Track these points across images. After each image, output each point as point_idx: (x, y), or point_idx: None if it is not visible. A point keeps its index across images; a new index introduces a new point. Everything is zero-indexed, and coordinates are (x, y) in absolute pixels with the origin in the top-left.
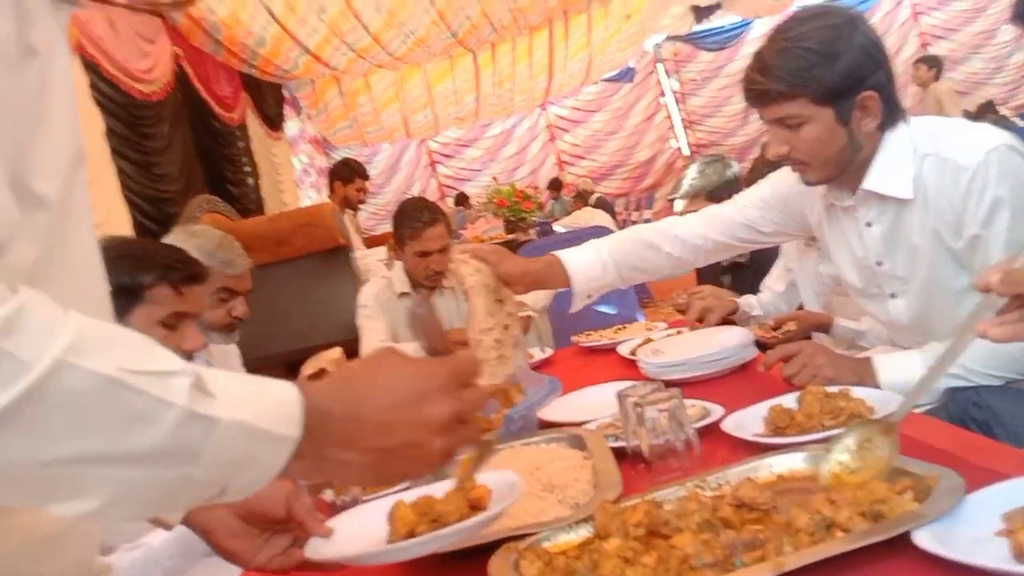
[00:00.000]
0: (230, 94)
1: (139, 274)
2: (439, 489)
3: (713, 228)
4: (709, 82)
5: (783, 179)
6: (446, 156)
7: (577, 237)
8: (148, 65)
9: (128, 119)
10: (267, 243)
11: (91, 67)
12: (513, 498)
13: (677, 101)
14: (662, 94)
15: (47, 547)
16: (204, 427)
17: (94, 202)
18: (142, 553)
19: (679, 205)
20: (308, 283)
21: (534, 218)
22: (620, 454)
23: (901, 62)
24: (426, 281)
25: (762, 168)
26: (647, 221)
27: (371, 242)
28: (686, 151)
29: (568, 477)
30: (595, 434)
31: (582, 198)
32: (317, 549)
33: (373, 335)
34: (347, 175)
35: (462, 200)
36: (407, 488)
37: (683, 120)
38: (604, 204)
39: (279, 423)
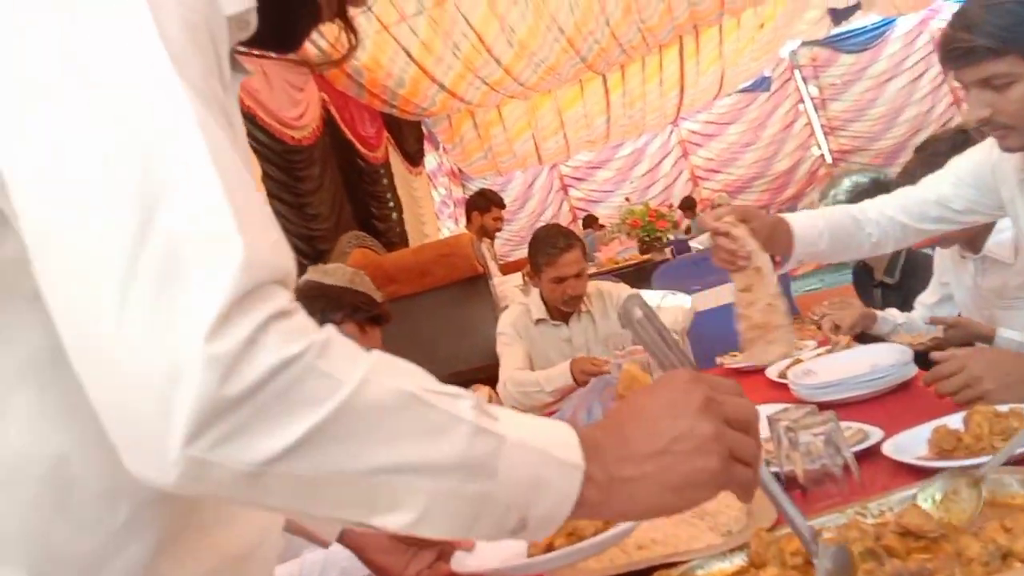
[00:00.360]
0: (373, 134)
1: (330, 312)
2: None
3: (904, 209)
4: (851, 86)
5: (976, 152)
6: (577, 179)
7: (706, 259)
8: (299, 112)
9: (282, 163)
10: (411, 274)
11: (248, 117)
12: None
13: (816, 108)
14: (800, 101)
15: (236, 567)
16: (494, 443)
17: None
18: (323, 555)
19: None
20: (450, 311)
21: (669, 236)
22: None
23: None
24: (563, 307)
25: (914, 172)
26: None
27: (507, 269)
28: (828, 158)
29: (720, 503)
30: None
31: None
32: (462, 562)
33: (511, 361)
34: (484, 205)
35: (590, 222)
36: None
37: (823, 127)
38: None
39: (560, 448)
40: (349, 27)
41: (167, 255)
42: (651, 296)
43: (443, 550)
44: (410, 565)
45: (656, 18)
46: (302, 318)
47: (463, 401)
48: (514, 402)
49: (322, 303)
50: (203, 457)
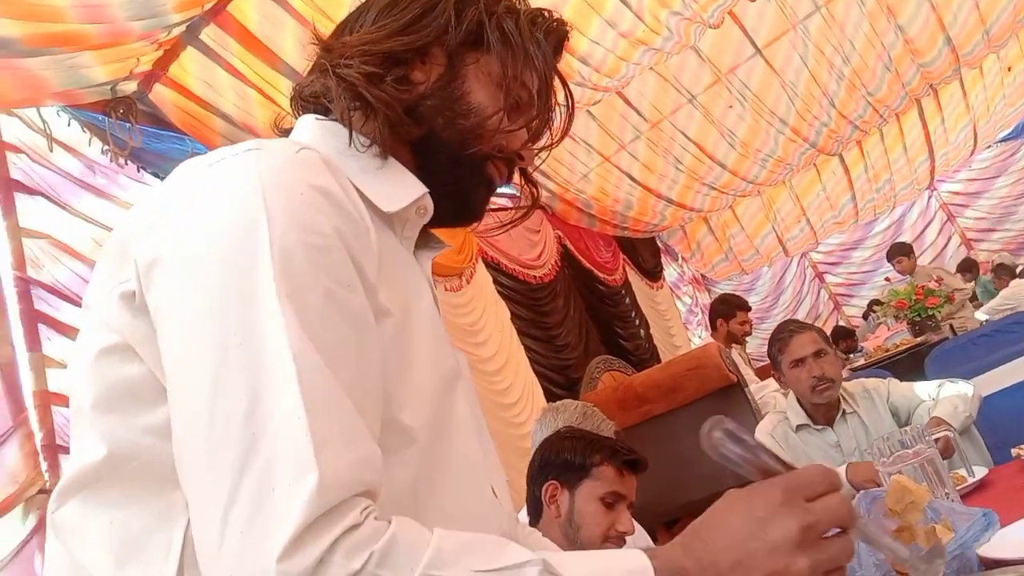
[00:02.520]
0: (609, 259)
1: (591, 454)
2: None
3: None
4: None
5: None
6: (832, 264)
7: (997, 331)
8: (537, 252)
9: (527, 302)
10: (662, 392)
11: (493, 265)
12: None
13: None
14: None
15: None
16: None
17: (511, 381)
18: None
19: None
20: None
21: (944, 311)
22: None
23: None
24: (815, 396)
25: None
26: None
27: (764, 373)
28: None
29: None
30: None
31: (1007, 271)
32: None
33: None
34: (727, 311)
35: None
36: None
37: None
38: None
39: None
40: (530, 181)
41: (259, 482)
42: (924, 387)
43: None
44: None
45: (884, 88)
46: (369, 527)
47: (529, 569)
48: None
49: (582, 444)
50: None
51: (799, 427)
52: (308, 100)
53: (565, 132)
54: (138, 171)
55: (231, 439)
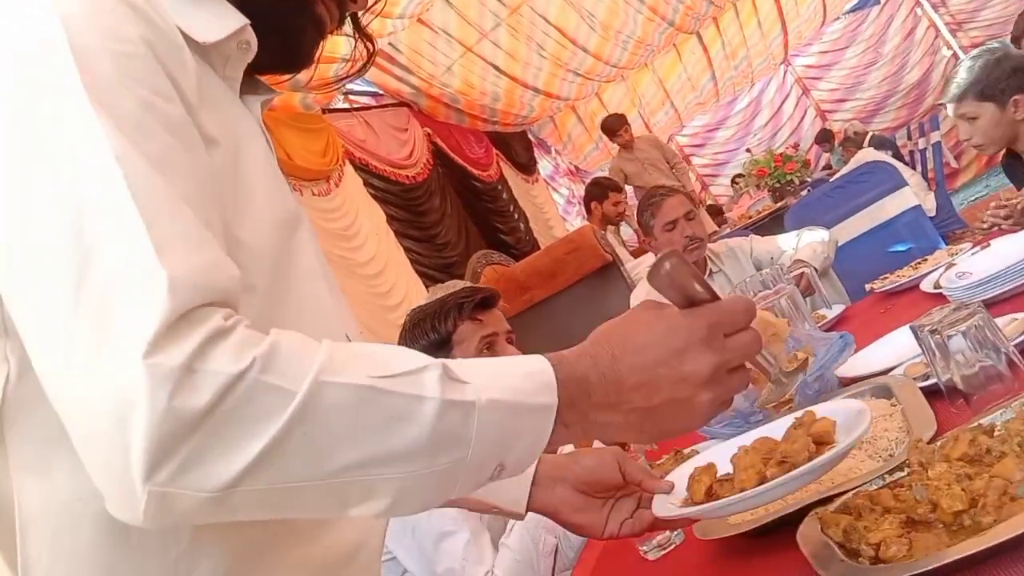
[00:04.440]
0: (483, 155)
1: (440, 324)
2: (775, 430)
3: None
4: None
5: None
6: (697, 146)
7: (849, 182)
8: (407, 152)
9: (403, 203)
10: (542, 278)
11: (362, 167)
12: (863, 428)
13: (936, 7)
14: (917, 4)
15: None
16: (463, 413)
17: (392, 283)
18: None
19: (949, 111)
20: (587, 307)
21: (803, 178)
22: (936, 395)
23: None
24: (687, 256)
25: None
26: (937, 144)
27: (638, 252)
28: (962, 55)
29: (876, 429)
30: (900, 379)
31: (854, 143)
32: (665, 505)
33: None
34: (599, 193)
35: (826, 136)
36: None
37: (948, 24)
38: (883, 142)
39: (535, 395)
40: (363, 35)
41: (102, 296)
42: (785, 239)
43: (642, 495)
44: (609, 520)
45: None
46: (241, 333)
47: (428, 374)
48: None
49: (429, 321)
50: (164, 491)
51: None
52: None
53: None
54: None
55: (60, 259)
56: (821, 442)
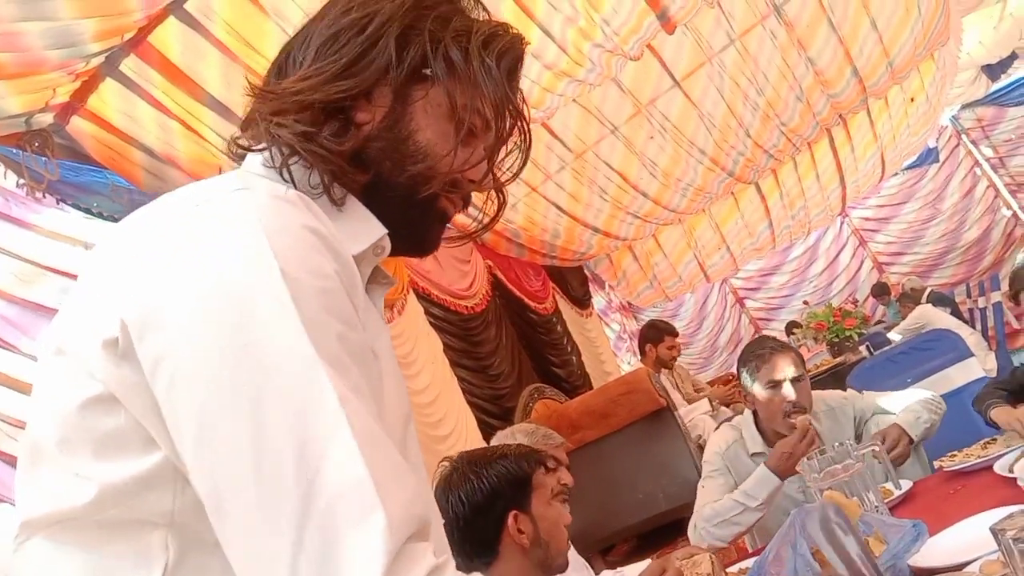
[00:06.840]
0: (539, 287)
1: (526, 464)
2: None
3: None
4: None
5: None
6: (751, 290)
7: (914, 348)
8: (468, 283)
9: (460, 332)
10: (594, 417)
11: (424, 296)
12: None
13: (995, 168)
14: (976, 164)
15: None
16: None
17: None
18: None
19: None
20: (639, 450)
21: (861, 332)
22: None
23: None
24: (785, 423)
25: None
26: (997, 304)
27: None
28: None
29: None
30: None
31: (911, 298)
32: None
33: (708, 496)
34: (655, 336)
35: (883, 290)
36: None
37: (1008, 185)
38: (941, 298)
39: None
40: (499, 190)
41: (327, 529)
42: (888, 400)
43: None
44: None
45: (797, 118)
46: (452, 569)
47: None
48: (713, 540)
49: (512, 460)
50: None
51: (755, 455)
52: (246, 150)
53: (525, 159)
54: (57, 204)
55: (284, 489)
56: None
